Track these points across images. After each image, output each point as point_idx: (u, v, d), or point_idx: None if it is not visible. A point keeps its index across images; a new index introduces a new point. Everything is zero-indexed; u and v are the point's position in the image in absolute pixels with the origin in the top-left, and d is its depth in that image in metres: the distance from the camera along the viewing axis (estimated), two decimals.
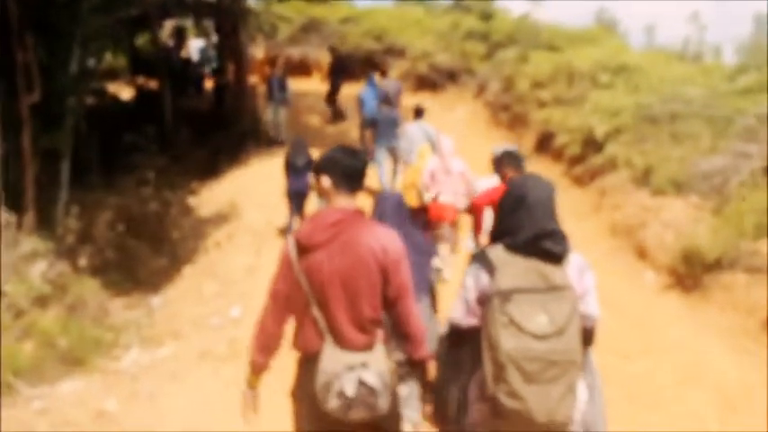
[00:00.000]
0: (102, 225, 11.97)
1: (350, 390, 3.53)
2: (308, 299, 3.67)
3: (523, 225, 3.49)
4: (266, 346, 3.90)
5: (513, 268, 3.41)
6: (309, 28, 27.16)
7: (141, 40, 20.53)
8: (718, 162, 10.67)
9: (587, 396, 3.70)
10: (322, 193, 3.84)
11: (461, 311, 3.59)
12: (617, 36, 24.45)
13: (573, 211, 12.15)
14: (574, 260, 3.59)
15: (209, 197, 14.64)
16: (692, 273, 8.80)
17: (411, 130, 11.86)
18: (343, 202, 3.73)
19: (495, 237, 3.66)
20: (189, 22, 21.92)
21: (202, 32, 21.32)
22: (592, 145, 13.41)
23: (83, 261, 10.99)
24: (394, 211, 5.31)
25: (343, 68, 19.50)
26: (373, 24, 25.36)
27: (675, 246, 9.39)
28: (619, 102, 13.85)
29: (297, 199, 11.55)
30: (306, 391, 3.72)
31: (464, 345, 3.64)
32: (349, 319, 3.64)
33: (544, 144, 15.30)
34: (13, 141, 10.51)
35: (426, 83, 22.01)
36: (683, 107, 12.62)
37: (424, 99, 20.48)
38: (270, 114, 17.70)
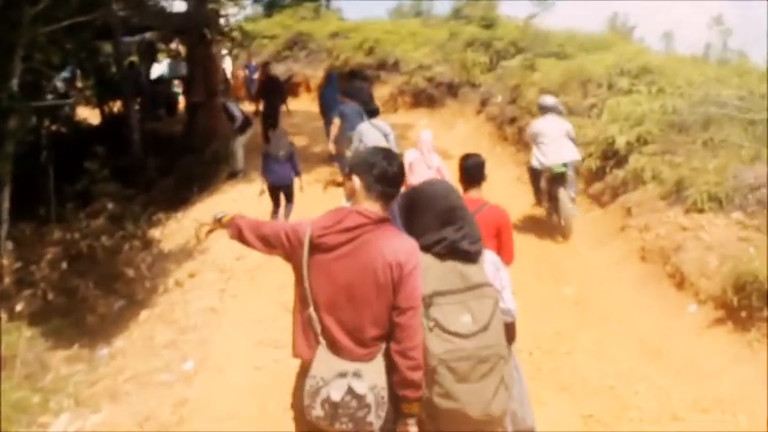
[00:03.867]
0: (44, 264, 10.80)
1: (336, 395, 3.40)
2: (308, 299, 3.56)
3: (438, 228, 3.66)
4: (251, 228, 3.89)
5: (433, 272, 3.56)
6: (296, 43, 26.28)
7: (105, 58, 19.39)
8: (763, 172, 9.55)
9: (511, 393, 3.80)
10: (350, 195, 3.76)
11: None
12: (632, 42, 23.32)
13: (594, 234, 11.06)
14: (489, 257, 3.78)
15: (175, 229, 13.46)
16: (746, 304, 7.43)
17: (363, 129, 11.71)
18: (369, 206, 3.62)
19: None
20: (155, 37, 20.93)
21: (169, 49, 20.34)
22: (612, 158, 12.26)
23: (20, 306, 9.91)
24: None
25: (277, 87, 17.86)
26: (365, 37, 24.28)
27: (721, 271, 8.12)
28: (641, 108, 12.71)
29: (279, 192, 11.54)
30: (298, 401, 3.62)
31: None
32: (347, 331, 3.51)
33: None
34: None
35: (424, 98, 20.93)
36: (717, 111, 11.46)
37: (421, 116, 19.49)
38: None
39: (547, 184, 11.24)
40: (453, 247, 3.60)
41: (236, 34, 18.91)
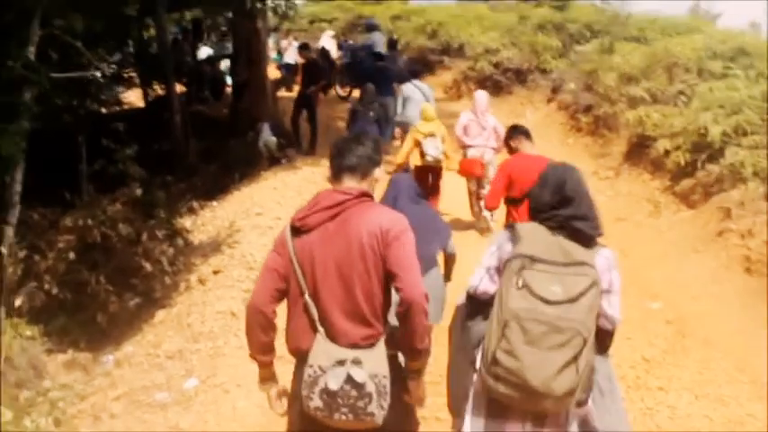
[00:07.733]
0: (52, 253, 9.62)
1: (333, 384, 3.25)
2: (301, 286, 3.46)
3: (560, 207, 3.53)
4: (262, 327, 3.50)
5: (537, 240, 3.45)
6: (356, 26, 25.18)
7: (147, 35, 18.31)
8: None
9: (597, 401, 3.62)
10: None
11: (478, 276, 3.60)
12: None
13: (683, 238, 9.44)
14: (605, 253, 3.57)
15: (208, 219, 12.22)
16: None
17: (407, 90, 12.42)
18: (350, 183, 3.57)
19: (532, 216, 3.67)
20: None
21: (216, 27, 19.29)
22: (705, 151, 10.62)
23: (19, 301, 8.79)
24: (407, 191, 5.63)
25: (318, 73, 15.93)
26: (427, 19, 22.92)
27: None
28: (739, 94, 11.09)
29: None
30: (295, 392, 3.51)
31: (478, 315, 3.59)
32: (344, 309, 3.40)
33: (638, 152, 12.53)
34: None
35: (489, 85, 19.21)
36: None
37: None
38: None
39: None
40: (566, 223, 3.50)
41: (279, 2, 17.60)
